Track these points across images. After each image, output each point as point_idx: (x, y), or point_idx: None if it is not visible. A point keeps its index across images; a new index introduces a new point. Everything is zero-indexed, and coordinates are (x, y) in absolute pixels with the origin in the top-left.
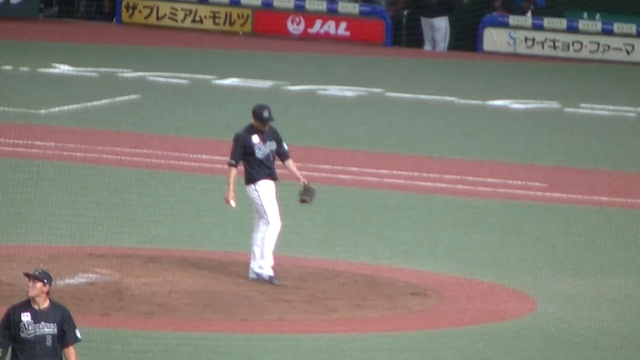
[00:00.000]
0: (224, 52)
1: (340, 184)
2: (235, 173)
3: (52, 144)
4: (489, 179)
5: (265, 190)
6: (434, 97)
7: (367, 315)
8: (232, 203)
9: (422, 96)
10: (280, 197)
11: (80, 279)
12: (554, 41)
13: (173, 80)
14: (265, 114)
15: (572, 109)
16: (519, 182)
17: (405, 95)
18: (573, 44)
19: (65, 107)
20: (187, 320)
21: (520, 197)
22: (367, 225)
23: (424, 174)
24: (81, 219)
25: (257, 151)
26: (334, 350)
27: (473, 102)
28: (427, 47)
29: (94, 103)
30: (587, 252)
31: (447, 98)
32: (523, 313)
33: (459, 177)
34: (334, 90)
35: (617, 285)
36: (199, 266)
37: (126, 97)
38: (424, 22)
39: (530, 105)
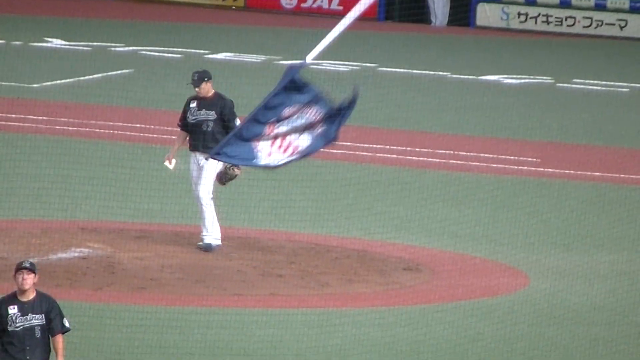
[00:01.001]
0: (217, 27)
1: (333, 158)
2: (182, 136)
3: (45, 118)
4: (482, 154)
5: (190, 161)
6: (426, 72)
7: (359, 290)
8: (167, 164)
9: (415, 71)
10: (272, 172)
11: (72, 253)
12: (547, 16)
13: (166, 54)
14: (194, 76)
15: (564, 85)
16: (512, 157)
17: (398, 70)
18: (566, 19)
19: (58, 82)
20: (179, 295)
21: (512, 172)
22: (360, 200)
23: (417, 149)
24: (73, 193)
25: (188, 115)
26: (326, 325)
27: (466, 77)
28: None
29: (87, 77)
30: (580, 227)
31: (440, 73)
32: (515, 288)
33: (451, 152)
34: (326, 65)
35: (609, 260)
36: (191, 241)
37: (119, 72)
38: None
39: (523, 81)
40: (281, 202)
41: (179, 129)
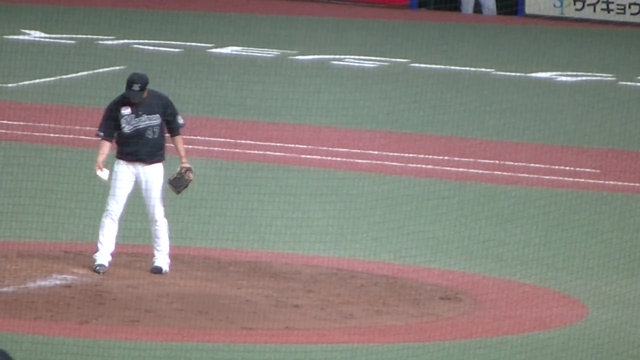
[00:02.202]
0: (222, 16)
1: (358, 169)
2: (106, 145)
3: (22, 123)
4: (532, 164)
5: (121, 171)
6: (466, 68)
7: (389, 322)
8: (100, 173)
9: (453, 67)
10: (287, 185)
11: (54, 280)
12: (607, 3)
13: (162, 48)
14: (135, 87)
15: (628, 83)
16: (567, 168)
17: (433, 66)
18: (630, 7)
19: (37, 81)
20: (179, 329)
21: (568, 185)
22: (389, 217)
23: (455, 158)
24: (55, 211)
25: (123, 124)
26: None
27: (513, 74)
28: (467, 9)
29: (71, 76)
30: None
31: (483, 70)
32: (571, 320)
33: (496, 161)
34: (350, 60)
35: None
36: (193, 265)
37: (108, 69)
38: None
39: (579, 78)
40: (298, 220)
41: (101, 140)
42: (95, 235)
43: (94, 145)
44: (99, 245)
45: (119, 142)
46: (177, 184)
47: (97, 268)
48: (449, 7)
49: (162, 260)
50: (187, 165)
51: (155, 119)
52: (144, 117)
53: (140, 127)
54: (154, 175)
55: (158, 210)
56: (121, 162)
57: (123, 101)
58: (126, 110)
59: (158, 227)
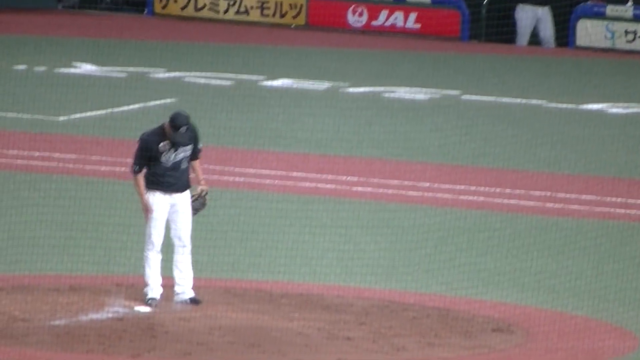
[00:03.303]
0: (274, 49)
1: (410, 201)
2: (142, 179)
3: (73, 156)
4: (583, 196)
5: (159, 202)
6: (518, 100)
7: (441, 355)
8: (154, 209)
9: (505, 99)
10: (339, 218)
11: (106, 314)
12: None
13: (214, 81)
14: (183, 129)
15: None
16: (619, 200)
17: (484, 98)
18: None
19: (88, 113)
20: None
21: (619, 216)
22: (441, 249)
23: (507, 190)
24: (107, 244)
25: (163, 159)
26: None
27: (564, 106)
28: (522, 42)
29: (122, 108)
30: None
31: (534, 101)
32: (623, 352)
33: (548, 193)
34: (401, 92)
35: None
36: (245, 298)
37: (159, 102)
38: (524, 10)
39: (631, 110)
40: (349, 252)
41: (137, 176)
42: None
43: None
44: (148, 280)
45: (154, 173)
46: (195, 206)
47: (150, 302)
48: (500, 39)
49: (190, 291)
50: (207, 187)
51: (189, 150)
52: (180, 149)
53: (178, 159)
54: (186, 202)
55: (189, 236)
56: (157, 192)
57: (160, 135)
58: (164, 146)
59: (183, 257)
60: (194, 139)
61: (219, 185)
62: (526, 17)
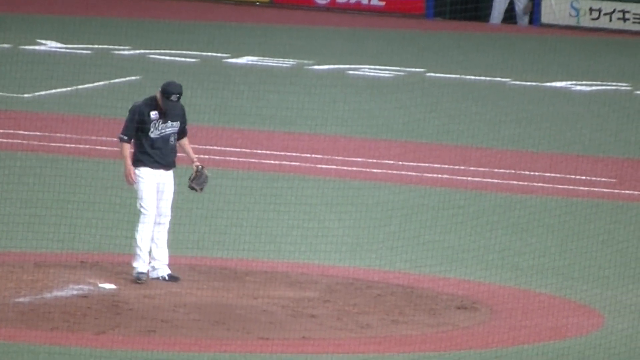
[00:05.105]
0: (238, 26)
1: (374, 179)
2: (128, 148)
3: (38, 133)
4: (548, 174)
5: (146, 177)
6: (482, 78)
7: (405, 332)
8: (137, 180)
9: (469, 77)
10: (303, 195)
11: (71, 291)
12: (623, 12)
13: (179, 59)
14: (174, 97)
15: None
16: (583, 177)
17: (449, 75)
18: None
19: (53, 91)
20: (195, 339)
21: (584, 194)
22: (406, 227)
23: (472, 168)
24: (72, 221)
25: (151, 129)
26: None
27: (529, 83)
28: (496, 20)
29: (87, 86)
30: None
31: (499, 79)
32: (588, 330)
33: (512, 171)
34: (366, 70)
35: None
36: (210, 276)
37: (124, 79)
38: None
39: (595, 88)
40: (314, 230)
41: (124, 144)
42: (112, 246)
43: (111, 155)
44: (139, 252)
45: (141, 147)
46: (200, 182)
47: (140, 276)
48: (465, 17)
49: (166, 268)
50: (199, 163)
51: (177, 126)
52: (169, 123)
53: (166, 133)
54: (171, 179)
55: (168, 216)
56: (143, 168)
57: (151, 105)
58: (155, 115)
59: (161, 233)
60: (182, 115)
61: (184, 163)
62: None
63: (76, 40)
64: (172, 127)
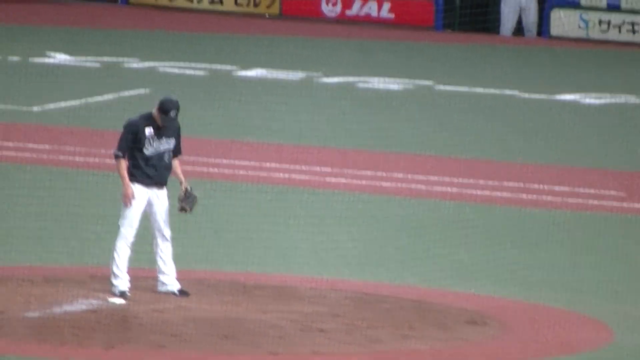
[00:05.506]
0: (248, 38)
1: (383, 192)
2: (125, 165)
3: (47, 146)
4: (557, 187)
5: (136, 194)
6: (491, 90)
7: (415, 347)
8: (135, 201)
9: (478, 89)
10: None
11: (80, 305)
12: (633, 24)
13: (188, 71)
14: (172, 113)
15: None
16: (592, 191)
17: (458, 88)
18: None
19: (62, 104)
20: (205, 354)
21: (593, 207)
22: (415, 241)
23: (481, 181)
24: (81, 235)
25: (146, 145)
26: None
27: (538, 96)
28: (506, 32)
29: (96, 98)
30: None
31: (507, 92)
32: (598, 344)
33: (521, 184)
34: (375, 82)
35: None
36: (219, 290)
37: (133, 92)
38: (507, 2)
39: (604, 100)
40: (323, 243)
41: (120, 160)
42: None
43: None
44: (116, 271)
45: (135, 163)
46: (189, 202)
47: (122, 294)
48: (474, 29)
49: (176, 282)
50: (188, 185)
51: (172, 143)
52: (164, 139)
53: (161, 150)
54: (165, 197)
55: (168, 228)
56: (135, 185)
57: (147, 122)
58: (150, 131)
59: (166, 249)
60: (177, 132)
61: (193, 176)
62: (509, 6)
63: (85, 53)
64: (167, 144)
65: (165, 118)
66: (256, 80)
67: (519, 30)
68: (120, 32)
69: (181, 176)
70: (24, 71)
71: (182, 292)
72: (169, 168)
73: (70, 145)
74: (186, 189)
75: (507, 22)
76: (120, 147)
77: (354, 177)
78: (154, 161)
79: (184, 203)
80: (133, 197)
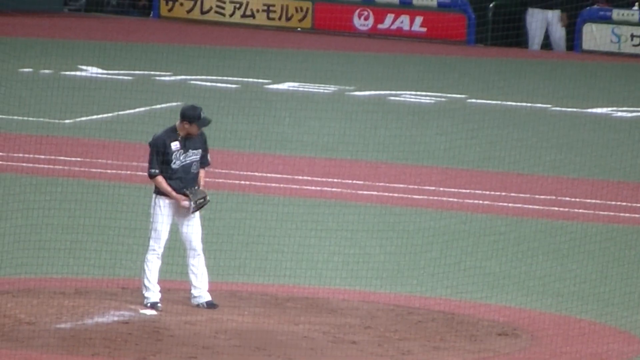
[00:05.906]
0: (279, 52)
1: (416, 205)
2: (164, 180)
3: (79, 159)
4: (589, 200)
5: (163, 208)
6: (524, 104)
7: (446, 358)
8: (185, 203)
9: (510, 103)
10: (344, 221)
11: (112, 317)
12: None
13: (220, 84)
14: (202, 113)
15: None
16: (624, 204)
17: (490, 101)
18: None
19: (94, 117)
20: None
21: (625, 220)
22: (447, 253)
23: (513, 194)
24: (113, 247)
25: (173, 160)
26: None
27: (570, 109)
28: (534, 46)
29: (128, 112)
30: None
31: (539, 105)
32: (629, 356)
33: (553, 197)
34: (407, 96)
35: None
36: (250, 302)
37: (165, 105)
38: (534, 15)
39: (636, 114)
40: (355, 256)
41: (157, 177)
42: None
43: (151, 181)
44: (147, 283)
45: (164, 178)
46: (196, 195)
47: (154, 305)
48: (506, 43)
49: (207, 294)
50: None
51: (198, 154)
52: (190, 152)
53: (187, 162)
54: (192, 209)
55: (199, 240)
56: (163, 198)
57: (172, 136)
58: (176, 146)
59: (197, 262)
60: (203, 143)
61: (225, 189)
62: (536, 21)
63: (117, 66)
64: (193, 155)
65: (202, 121)
66: (288, 94)
67: (546, 45)
68: (152, 46)
69: (202, 183)
70: (56, 84)
71: (210, 304)
72: (195, 179)
73: (101, 158)
74: (197, 187)
75: (535, 37)
76: (153, 166)
77: (386, 190)
78: (180, 173)
79: (192, 195)
80: (184, 200)
